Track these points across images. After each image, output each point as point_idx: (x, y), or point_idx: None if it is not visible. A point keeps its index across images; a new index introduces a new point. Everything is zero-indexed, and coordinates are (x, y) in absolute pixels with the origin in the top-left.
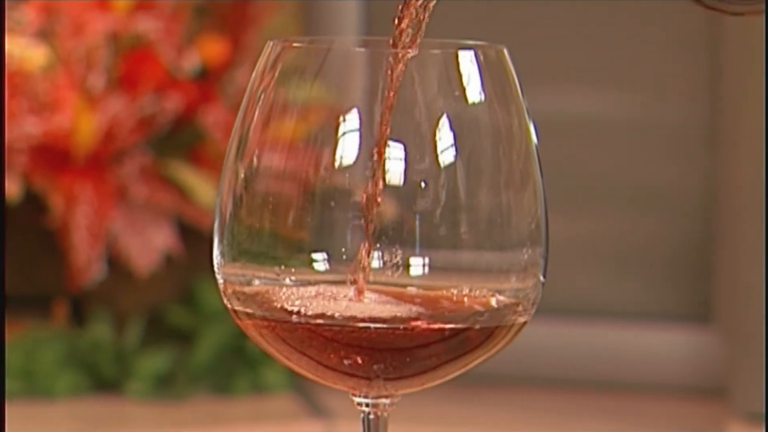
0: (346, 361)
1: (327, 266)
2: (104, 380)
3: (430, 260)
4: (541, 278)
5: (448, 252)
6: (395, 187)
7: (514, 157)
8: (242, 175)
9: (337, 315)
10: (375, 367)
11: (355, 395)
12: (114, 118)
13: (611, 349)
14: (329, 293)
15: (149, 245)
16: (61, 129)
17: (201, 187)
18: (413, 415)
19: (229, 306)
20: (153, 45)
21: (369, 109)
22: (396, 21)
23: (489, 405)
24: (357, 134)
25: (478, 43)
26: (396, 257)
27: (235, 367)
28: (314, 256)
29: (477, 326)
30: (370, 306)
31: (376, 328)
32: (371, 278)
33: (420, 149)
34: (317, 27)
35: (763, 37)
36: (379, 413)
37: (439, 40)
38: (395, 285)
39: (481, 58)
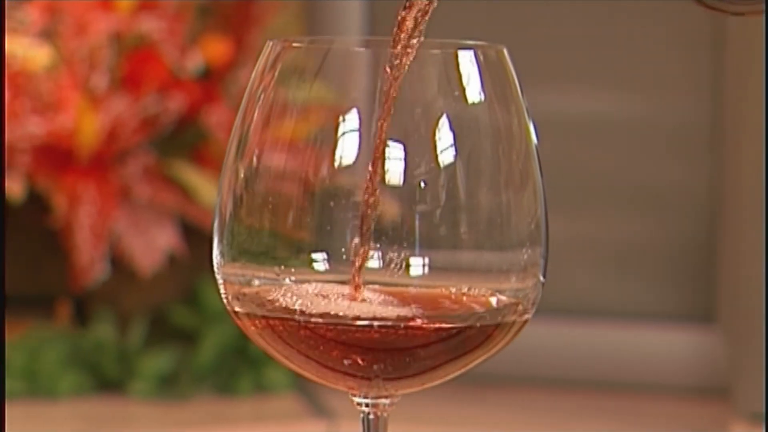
0: (345, 361)
1: (327, 266)
2: (107, 380)
3: (429, 260)
4: (541, 278)
5: (447, 252)
6: (395, 187)
7: (514, 157)
8: (242, 175)
9: (336, 315)
10: (375, 367)
11: (354, 395)
12: (117, 118)
13: (612, 349)
14: (329, 293)
15: (152, 245)
16: (64, 129)
17: (204, 187)
18: (413, 415)
19: (228, 306)
20: (156, 45)
21: (369, 109)
22: (397, 21)
23: (489, 405)
24: (357, 134)
25: (478, 43)
26: (396, 257)
27: (239, 367)
28: (314, 256)
29: (477, 326)
30: (370, 306)
31: (375, 328)
32: (371, 278)
33: (420, 149)
34: (320, 27)
35: (764, 37)
36: (378, 413)
37: (438, 40)
38: (395, 285)
39: (481, 58)
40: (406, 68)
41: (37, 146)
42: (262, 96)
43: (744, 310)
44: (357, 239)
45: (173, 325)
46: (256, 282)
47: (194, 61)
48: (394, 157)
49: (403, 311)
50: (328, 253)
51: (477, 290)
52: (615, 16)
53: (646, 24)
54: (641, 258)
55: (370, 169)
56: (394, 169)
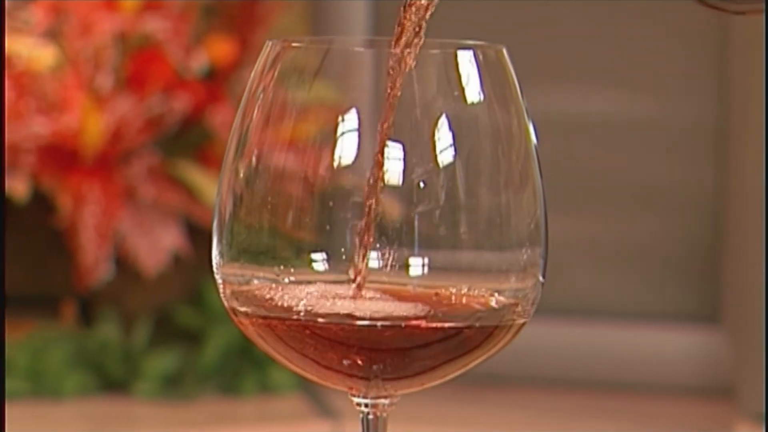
0: (345, 361)
1: (327, 266)
2: (112, 380)
3: (429, 260)
4: (541, 278)
5: (447, 252)
6: (395, 187)
7: (514, 158)
8: (242, 175)
9: (336, 315)
10: (374, 367)
11: (354, 395)
12: (122, 118)
13: (616, 349)
14: (329, 293)
15: (157, 245)
16: (69, 129)
17: (209, 187)
18: (413, 415)
19: (228, 306)
20: (161, 45)
21: (369, 109)
22: (397, 21)
23: (489, 405)
24: (356, 134)
25: (478, 43)
26: (396, 257)
27: (243, 368)
28: (314, 256)
29: (476, 326)
30: (370, 306)
31: (375, 328)
32: (371, 278)
33: (419, 149)
34: (325, 27)
35: (764, 37)
36: (378, 413)
37: (438, 40)
38: (395, 285)
39: (481, 58)
40: (410, 68)
41: (41, 146)
42: (261, 96)
43: (748, 311)
44: (357, 239)
45: (178, 326)
46: (256, 282)
47: (199, 62)
48: (394, 157)
49: (403, 311)
50: (327, 253)
51: (477, 290)
52: (615, 16)
53: (651, 24)
54: (645, 258)
55: (373, 168)
56: (394, 169)
